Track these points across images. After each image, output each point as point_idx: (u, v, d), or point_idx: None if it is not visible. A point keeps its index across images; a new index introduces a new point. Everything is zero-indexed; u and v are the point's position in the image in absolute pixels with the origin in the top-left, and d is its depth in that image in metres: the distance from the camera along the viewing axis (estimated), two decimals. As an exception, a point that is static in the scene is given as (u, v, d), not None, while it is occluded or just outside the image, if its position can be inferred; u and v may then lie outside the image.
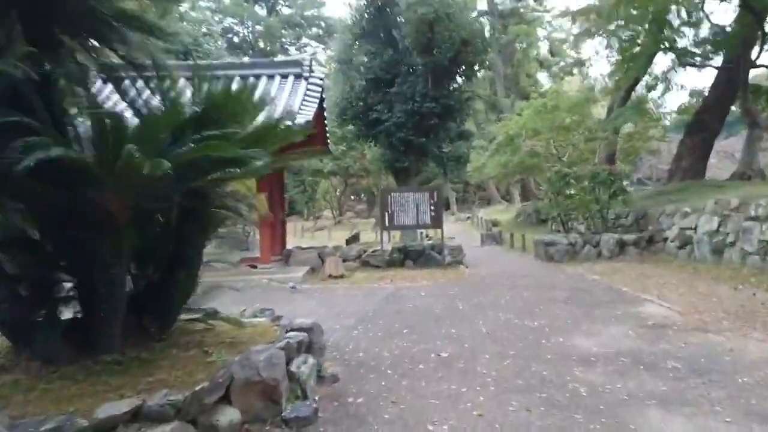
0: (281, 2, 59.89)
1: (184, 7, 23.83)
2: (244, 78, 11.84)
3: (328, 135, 14.04)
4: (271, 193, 11.99)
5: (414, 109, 13.10)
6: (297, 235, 28.51)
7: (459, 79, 13.97)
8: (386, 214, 11.04)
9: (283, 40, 50.69)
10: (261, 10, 57.25)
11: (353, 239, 15.52)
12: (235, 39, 50.07)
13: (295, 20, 51.85)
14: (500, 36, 36.16)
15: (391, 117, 13.18)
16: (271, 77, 11.90)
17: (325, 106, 13.11)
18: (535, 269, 11.16)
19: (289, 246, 14.43)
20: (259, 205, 11.09)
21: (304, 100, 10.91)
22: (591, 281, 9.23)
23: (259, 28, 50.93)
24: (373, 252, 11.68)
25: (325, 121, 13.27)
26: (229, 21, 52.58)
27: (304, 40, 51.91)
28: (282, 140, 4.12)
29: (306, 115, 9.98)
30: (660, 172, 27.01)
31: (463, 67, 13.39)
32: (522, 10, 40.37)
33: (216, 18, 48.99)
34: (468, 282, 9.36)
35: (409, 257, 11.81)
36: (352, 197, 49.39)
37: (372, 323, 5.98)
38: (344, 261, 11.72)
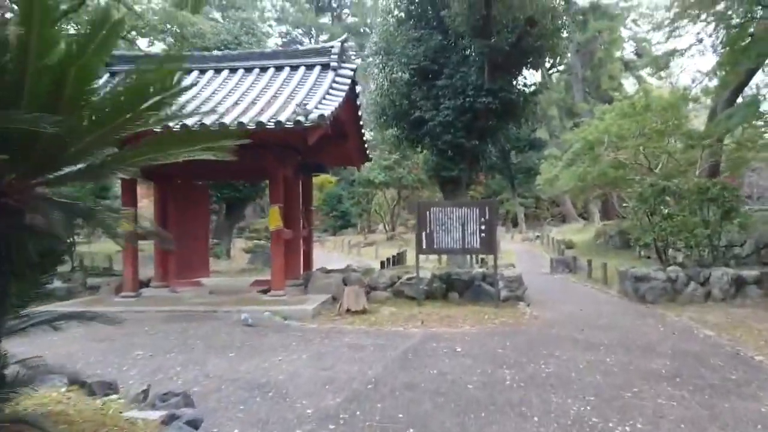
0: (347, 11, 60.15)
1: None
2: (263, 69, 10.44)
3: (365, 141, 12.34)
4: (289, 204, 10.42)
5: (465, 106, 11.06)
6: (344, 250, 27.06)
7: (524, 71, 11.80)
8: (423, 233, 9.06)
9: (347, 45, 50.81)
10: (323, 19, 57.71)
11: (396, 259, 13.60)
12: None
13: (358, 29, 51.65)
14: (577, 33, 33.09)
15: (437, 116, 11.22)
16: (294, 68, 10.41)
17: (360, 103, 11.39)
18: (621, 314, 8.69)
19: (326, 264, 12.81)
20: (270, 219, 9.55)
21: (327, 93, 9.27)
22: (704, 340, 6.73)
23: (323, 37, 51.23)
24: (408, 280, 9.73)
25: (360, 122, 11.56)
26: (296, 32, 53.43)
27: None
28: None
29: (325, 109, 8.30)
30: (762, 189, 23.60)
31: (529, 56, 11.21)
32: (604, 2, 36.87)
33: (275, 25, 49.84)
34: (526, 332, 7.16)
35: (453, 288, 9.74)
36: (407, 211, 47.62)
37: (364, 409, 4.04)
38: (373, 290, 9.88)
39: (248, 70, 10.55)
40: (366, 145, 12.54)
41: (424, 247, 9.08)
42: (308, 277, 10.29)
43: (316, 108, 8.28)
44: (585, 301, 10.29)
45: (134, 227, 9.13)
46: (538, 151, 37.23)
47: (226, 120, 8.02)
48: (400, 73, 11.80)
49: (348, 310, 8.21)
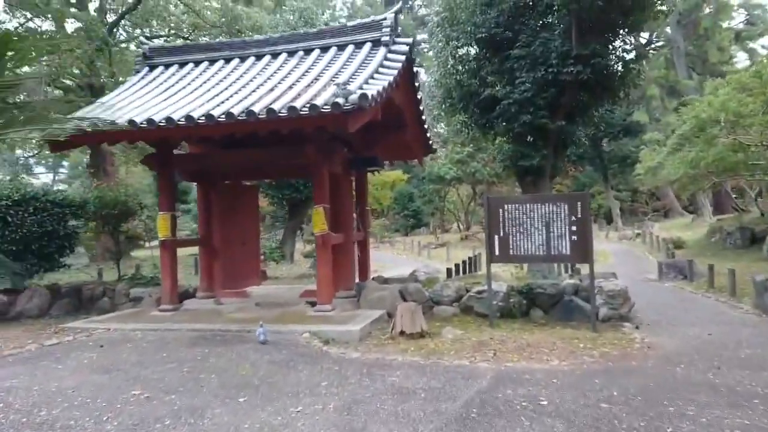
0: (419, 3, 58.66)
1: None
2: (307, 51, 9.35)
3: (427, 129, 10.88)
4: (338, 204, 9.24)
5: (548, 78, 9.19)
6: (413, 251, 25.68)
7: (620, 34, 9.61)
8: (496, 237, 7.45)
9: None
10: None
11: (468, 264, 12.01)
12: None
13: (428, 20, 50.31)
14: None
15: (512, 93, 9.45)
16: (341, 47, 9.23)
17: (419, 85, 9.98)
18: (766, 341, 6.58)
19: (394, 268, 11.62)
20: (314, 222, 8.39)
21: (375, 72, 7.96)
22: None
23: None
24: (479, 293, 8.17)
25: (421, 107, 10.14)
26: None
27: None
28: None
29: (370, 89, 7.00)
30: None
31: (628, 15, 9.05)
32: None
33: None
34: (639, 371, 5.39)
35: (536, 304, 8.06)
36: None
37: None
38: (436, 304, 8.44)
39: (291, 53, 9.52)
40: (429, 135, 11.09)
41: (496, 254, 7.47)
42: (361, 288, 9.04)
43: (360, 89, 6.98)
44: (712, 320, 8.15)
45: (168, 232, 8.39)
46: (635, 137, 33.64)
47: (256, 108, 6.96)
48: (466, 48, 10.18)
49: (402, 333, 6.83)
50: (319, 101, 6.78)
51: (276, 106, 6.90)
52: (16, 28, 16.68)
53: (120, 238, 11.34)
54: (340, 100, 6.59)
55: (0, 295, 9.24)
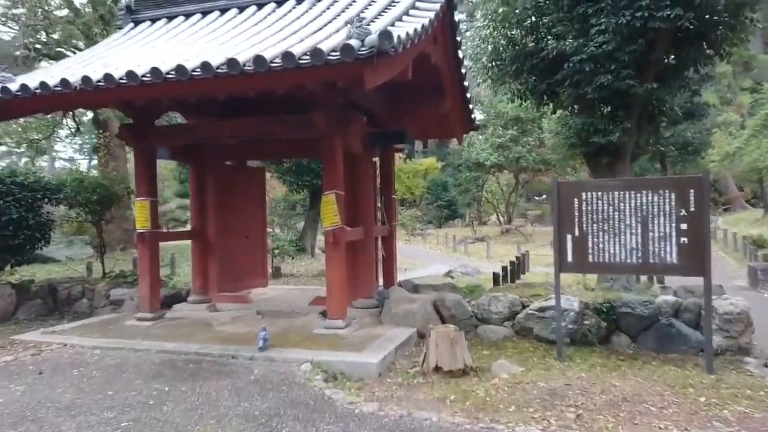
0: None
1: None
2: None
3: (469, 100, 8.99)
4: (357, 191, 7.51)
5: (635, 26, 7.07)
6: (448, 246, 23.75)
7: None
8: (569, 237, 5.55)
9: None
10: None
11: (514, 269, 10.11)
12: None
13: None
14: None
15: (584, 46, 7.36)
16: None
17: (460, 42, 8.11)
18: None
19: (426, 266, 9.92)
20: (323, 212, 6.64)
21: (404, 14, 6.14)
22: None
23: None
24: (540, 310, 6.31)
25: (462, 71, 8.26)
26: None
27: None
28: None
29: (396, 30, 5.17)
30: None
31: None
32: None
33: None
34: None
35: (620, 327, 6.14)
36: (531, 198, 42.84)
37: None
38: (482, 322, 6.63)
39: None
40: (471, 106, 9.19)
41: (569, 260, 5.55)
42: (384, 297, 7.29)
43: (388, 28, 5.13)
44: None
45: (147, 222, 6.84)
46: (698, 121, 30.63)
47: (241, 57, 5.23)
48: (522, -4, 8.15)
49: (437, 369, 5.05)
50: (325, 46, 5.01)
51: (268, 55, 5.16)
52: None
53: (103, 227, 9.91)
54: (354, 43, 4.80)
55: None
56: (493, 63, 9.30)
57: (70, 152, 46.33)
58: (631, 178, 7.91)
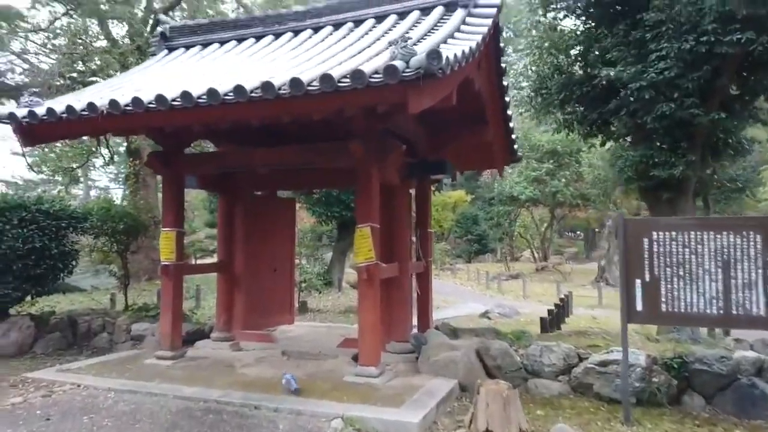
0: None
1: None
2: (357, 23, 7.34)
3: (512, 130, 8.55)
4: (393, 224, 7.07)
5: (699, 51, 6.53)
6: (479, 283, 22.96)
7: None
8: (638, 282, 4.93)
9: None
10: None
11: (559, 312, 9.40)
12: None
13: None
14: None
15: (643, 73, 6.85)
16: (402, 15, 7.14)
17: (505, 69, 7.73)
18: None
19: (456, 303, 9.39)
20: (357, 246, 6.17)
21: (449, 36, 5.79)
22: None
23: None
24: (601, 364, 5.64)
25: (506, 99, 7.86)
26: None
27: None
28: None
29: (445, 51, 4.79)
30: None
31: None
32: None
33: None
34: None
35: (693, 387, 5.42)
36: (563, 234, 41.69)
37: None
38: (532, 376, 5.99)
39: (337, 25, 7.55)
40: (514, 136, 8.74)
41: (640, 308, 4.91)
42: (421, 342, 6.72)
43: (435, 52, 4.76)
44: None
45: (172, 255, 6.52)
46: (742, 156, 29.46)
47: (276, 81, 4.92)
48: (572, 16, 7.72)
49: (488, 432, 4.43)
50: (367, 68, 4.65)
51: (305, 78, 4.83)
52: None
53: (127, 258, 9.67)
54: (399, 64, 4.43)
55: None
56: (537, 92, 8.86)
57: (105, 181, 47.52)
58: (708, 217, 7.34)
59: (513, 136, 8.63)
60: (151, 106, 5.44)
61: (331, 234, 28.49)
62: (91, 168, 36.44)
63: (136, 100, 5.45)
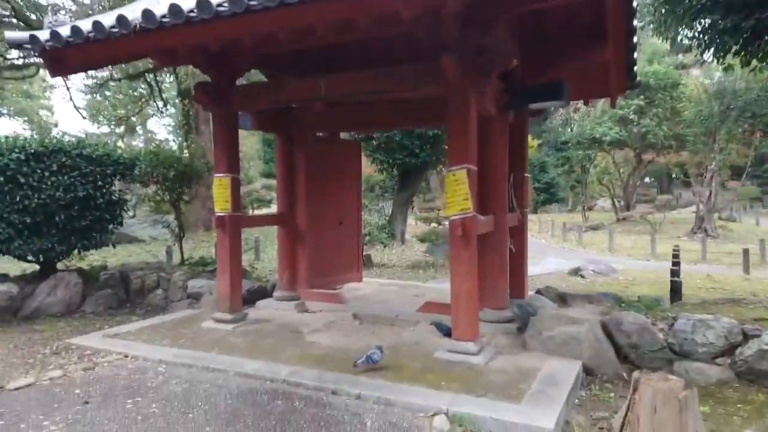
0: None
1: None
2: None
3: (633, 48, 6.88)
4: (489, 167, 5.82)
5: None
6: (554, 235, 21.34)
7: None
8: None
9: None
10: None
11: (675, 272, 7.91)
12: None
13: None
14: None
15: None
16: None
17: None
18: None
19: (535, 259, 8.34)
20: (448, 195, 4.87)
21: None
22: None
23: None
24: (781, 348, 4.29)
25: (629, 9, 6.18)
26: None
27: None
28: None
29: None
30: None
31: None
32: None
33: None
34: None
35: None
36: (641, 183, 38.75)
37: None
38: (682, 357, 4.73)
39: None
40: (634, 56, 7.08)
41: None
42: (528, 311, 5.53)
43: None
44: None
45: (227, 204, 5.55)
46: None
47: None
48: None
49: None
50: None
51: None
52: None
53: (181, 208, 8.94)
54: None
55: (10, 284, 7.18)
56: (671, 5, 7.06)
57: (164, 134, 48.25)
58: None
59: (635, 55, 6.99)
60: (191, 15, 4.33)
61: (384, 185, 27.31)
62: (148, 117, 36.74)
63: (175, 8, 4.34)
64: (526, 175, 7.22)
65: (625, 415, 3.51)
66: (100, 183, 7.80)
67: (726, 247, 15.59)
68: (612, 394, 4.44)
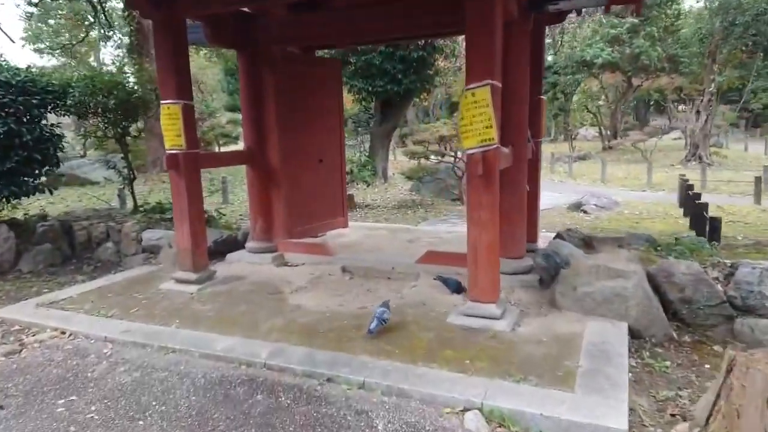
0: None
1: None
2: None
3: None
4: (511, 86, 4.77)
5: None
6: (543, 166, 20.55)
7: None
8: None
9: None
10: None
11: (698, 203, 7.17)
12: None
13: None
14: None
15: None
16: None
17: None
18: None
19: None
20: (462, 123, 3.81)
21: None
22: None
23: None
24: None
25: None
26: None
27: None
28: None
29: None
30: None
31: None
32: None
33: None
34: None
35: None
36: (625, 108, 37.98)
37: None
38: (749, 314, 3.95)
39: None
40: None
41: None
42: (557, 262, 4.65)
43: None
44: None
45: (179, 140, 4.57)
46: None
47: None
48: None
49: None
50: None
51: None
52: None
53: (128, 144, 7.67)
54: None
55: None
56: None
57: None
58: None
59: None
60: None
61: (357, 117, 25.71)
62: (100, 48, 33.67)
63: None
64: (541, 97, 6.18)
65: (715, 402, 2.71)
66: (26, 116, 6.45)
67: (723, 174, 15.04)
68: (667, 363, 3.68)
